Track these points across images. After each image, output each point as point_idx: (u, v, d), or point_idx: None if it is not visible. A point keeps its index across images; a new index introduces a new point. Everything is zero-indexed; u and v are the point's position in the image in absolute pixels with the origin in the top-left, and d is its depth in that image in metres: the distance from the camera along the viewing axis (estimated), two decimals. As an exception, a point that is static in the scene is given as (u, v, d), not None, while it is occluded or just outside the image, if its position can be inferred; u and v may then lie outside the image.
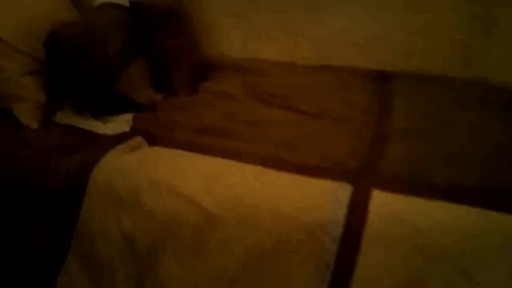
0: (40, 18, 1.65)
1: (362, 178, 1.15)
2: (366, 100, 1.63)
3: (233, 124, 1.44)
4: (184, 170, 1.22)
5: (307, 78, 1.79)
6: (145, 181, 1.21)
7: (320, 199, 1.10)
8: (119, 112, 1.59)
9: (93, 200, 1.25)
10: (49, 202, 1.29)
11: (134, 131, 1.45)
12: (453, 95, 1.63)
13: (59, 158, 1.34)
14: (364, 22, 1.85)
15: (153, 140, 1.41)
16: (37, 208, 1.31)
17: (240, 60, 1.96)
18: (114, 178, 1.24)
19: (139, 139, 1.40)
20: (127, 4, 1.80)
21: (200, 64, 1.86)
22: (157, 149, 1.34)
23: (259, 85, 1.71)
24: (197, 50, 1.88)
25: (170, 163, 1.25)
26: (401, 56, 1.85)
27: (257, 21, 1.98)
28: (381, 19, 1.83)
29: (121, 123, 1.53)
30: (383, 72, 1.84)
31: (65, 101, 1.62)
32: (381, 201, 1.07)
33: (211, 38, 2.01)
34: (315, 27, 1.90)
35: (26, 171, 1.34)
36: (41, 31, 1.56)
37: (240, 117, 1.49)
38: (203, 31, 1.97)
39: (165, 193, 1.18)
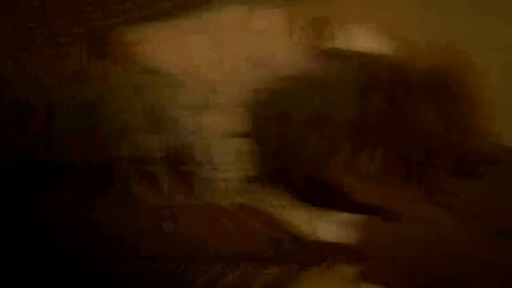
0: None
1: None
2: None
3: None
4: None
5: None
6: None
7: None
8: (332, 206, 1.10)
9: None
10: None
11: (348, 250, 0.93)
12: None
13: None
14: None
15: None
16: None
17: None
18: None
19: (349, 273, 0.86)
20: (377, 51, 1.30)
21: (467, 156, 1.23)
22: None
23: None
24: (467, 137, 1.25)
25: None
26: None
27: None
28: None
29: (334, 226, 1.03)
30: None
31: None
32: None
33: (483, 118, 1.35)
34: None
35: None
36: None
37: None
38: (476, 109, 1.33)
39: None
